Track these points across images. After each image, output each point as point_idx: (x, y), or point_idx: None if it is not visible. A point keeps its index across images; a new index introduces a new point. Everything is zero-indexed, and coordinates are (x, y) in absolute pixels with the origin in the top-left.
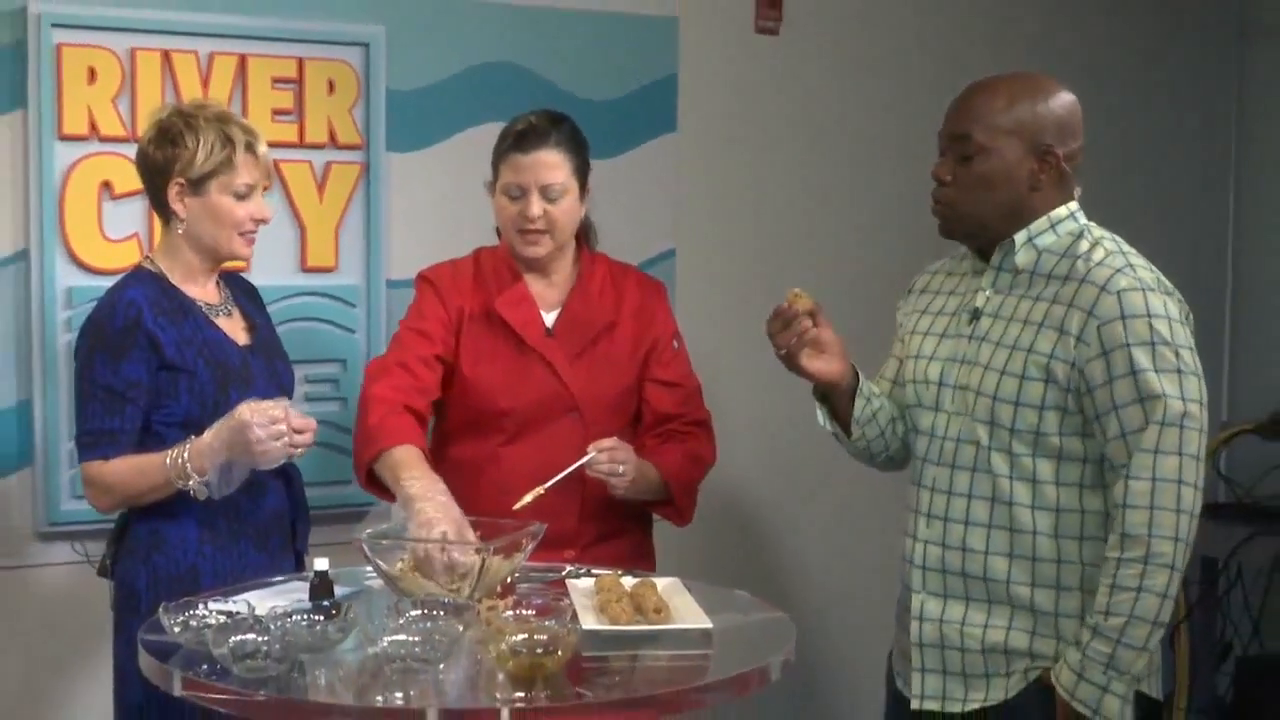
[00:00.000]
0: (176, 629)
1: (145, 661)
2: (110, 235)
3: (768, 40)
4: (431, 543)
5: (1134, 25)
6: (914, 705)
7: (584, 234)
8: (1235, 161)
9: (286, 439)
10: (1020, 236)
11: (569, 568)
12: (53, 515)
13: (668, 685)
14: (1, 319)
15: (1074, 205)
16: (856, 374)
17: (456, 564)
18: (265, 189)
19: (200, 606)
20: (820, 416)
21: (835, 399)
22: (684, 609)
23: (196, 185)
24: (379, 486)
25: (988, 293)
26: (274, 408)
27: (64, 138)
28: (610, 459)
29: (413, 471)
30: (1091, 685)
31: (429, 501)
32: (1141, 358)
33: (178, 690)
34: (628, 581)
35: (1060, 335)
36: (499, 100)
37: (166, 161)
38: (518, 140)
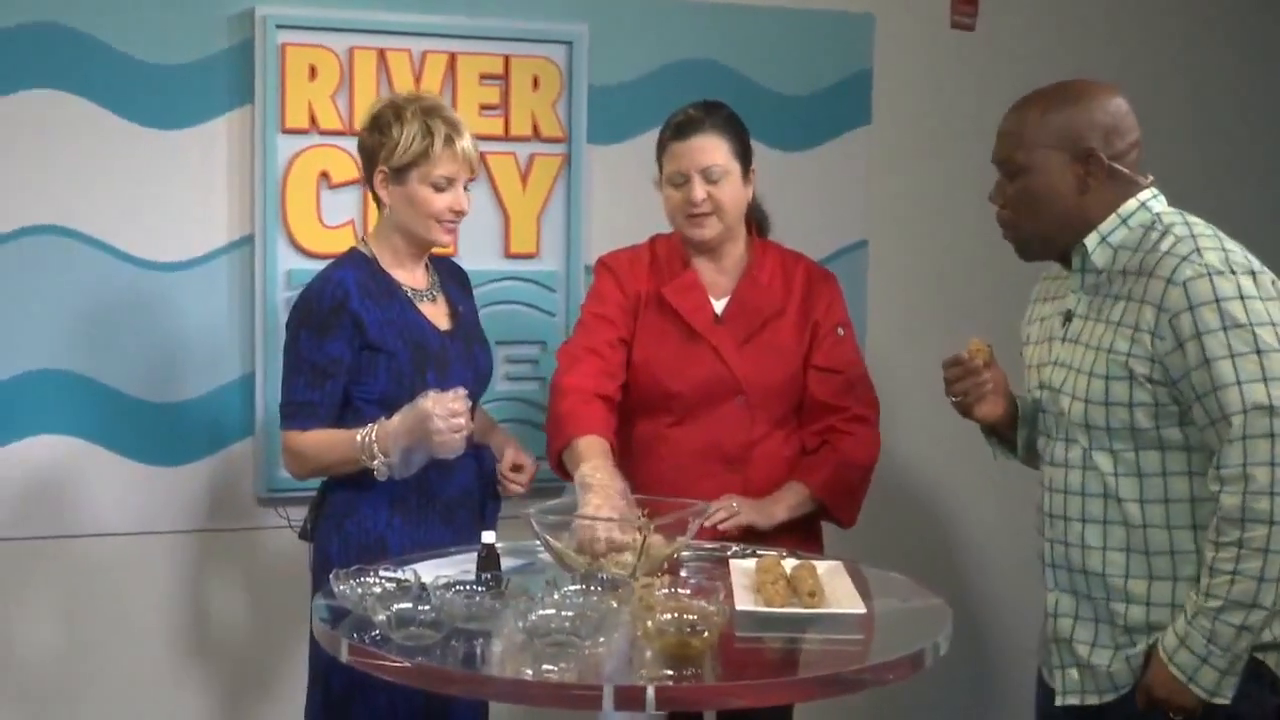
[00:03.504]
0: (347, 594)
1: (316, 626)
2: (327, 222)
3: (962, 36)
4: (593, 519)
5: None
6: (1058, 701)
7: (756, 222)
8: None
9: (466, 431)
10: (1091, 239)
11: (734, 547)
12: (271, 482)
13: (814, 669)
14: (228, 299)
15: (1146, 195)
16: (1016, 404)
17: (615, 542)
18: (469, 181)
19: (371, 574)
20: (992, 451)
21: (1001, 429)
22: (840, 593)
23: (398, 174)
24: (567, 471)
25: (1078, 294)
26: (455, 400)
27: (286, 131)
28: (723, 508)
29: (593, 462)
30: (1191, 653)
31: (598, 493)
32: (1214, 346)
33: (344, 656)
34: (789, 564)
35: (1135, 332)
36: (696, 95)
37: (374, 149)
38: (676, 130)
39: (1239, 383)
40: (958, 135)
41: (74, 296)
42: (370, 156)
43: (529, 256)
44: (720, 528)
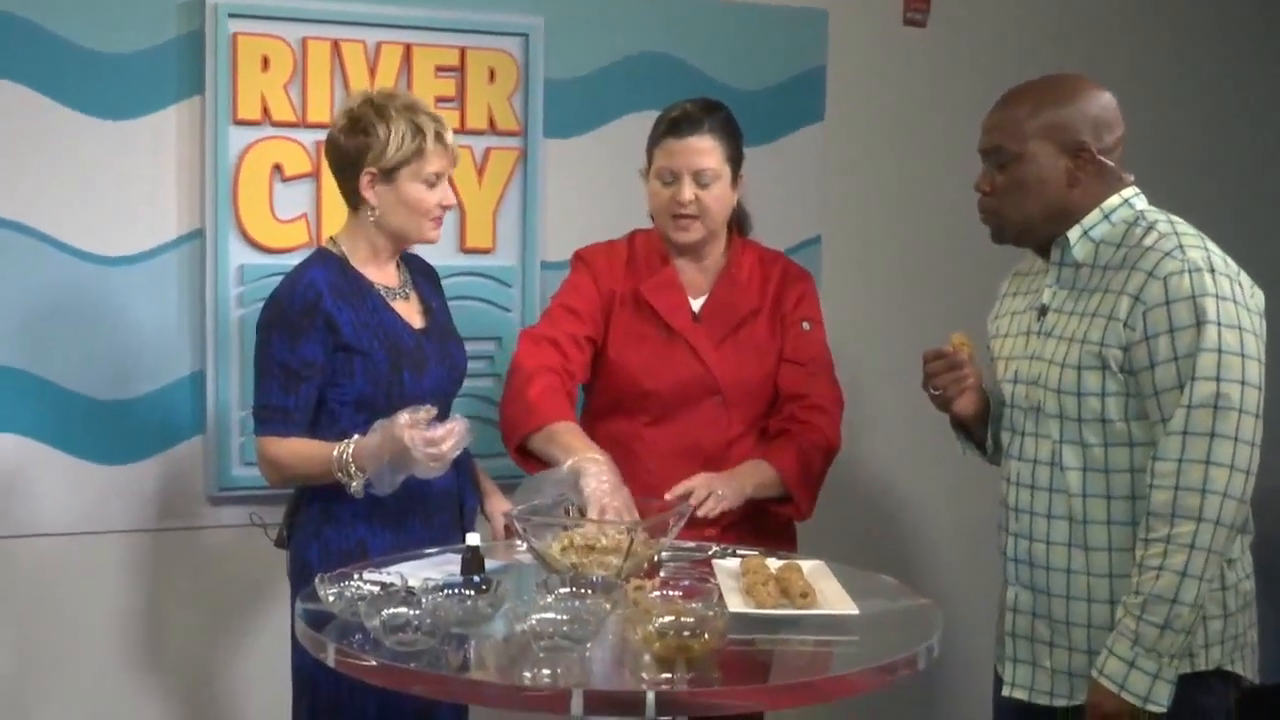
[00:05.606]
0: (331, 599)
1: (301, 630)
2: (280, 216)
3: (915, 32)
4: (591, 522)
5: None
6: (1004, 691)
7: (737, 221)
8: None
9: (451, 455)
10: (1074, 232)
11: (714, 547)
12: (223, 481)
13: (812, 672)
14: (177, 294)
15: (1129, 191)
16: (989, 401)
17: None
18: (450, 175)
19: (354, 577)
20: (960, 447)
21: (973, 425)
22: (830, 593)
23: (388, 174)
24: (528, 457)
25: (1053, 288)
26: (436, 430)
27: (238, 122)
28: (708, 492)
29: (591, 452)
30: (1119, 659)
31: (602, 480)
32: (1181, 343)
33: (331, 660)
34: (773, 563)
35: (1110, 321)
36: (652, 89)
37: (358, 151)
38: (672, 126)
39: (1194, 378)
40: (911, 131)
41: (18, 292)
42: (354, 159)
43: (485, 252)
44: (712, 515)
